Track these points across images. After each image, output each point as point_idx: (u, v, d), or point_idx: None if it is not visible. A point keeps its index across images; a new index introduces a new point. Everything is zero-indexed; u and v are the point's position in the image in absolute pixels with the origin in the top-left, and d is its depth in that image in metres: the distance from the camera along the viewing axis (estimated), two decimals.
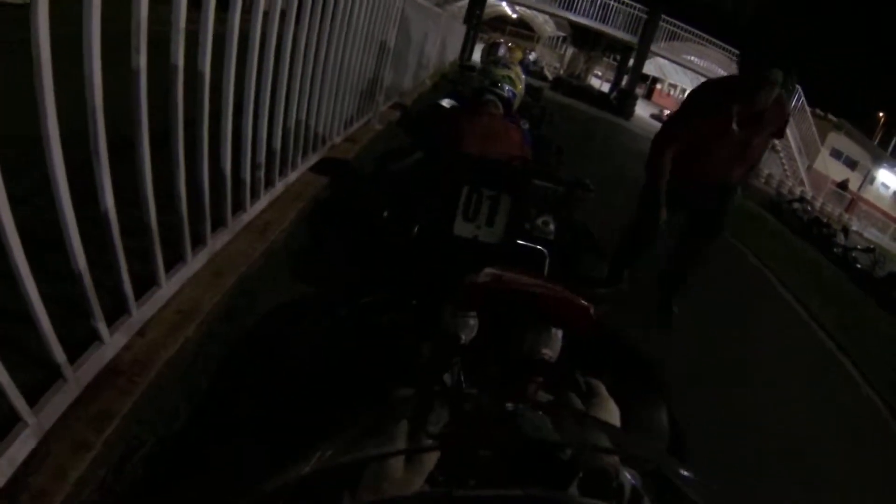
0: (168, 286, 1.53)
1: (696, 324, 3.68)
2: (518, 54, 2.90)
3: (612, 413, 0.80)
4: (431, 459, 0.55)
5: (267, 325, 1.86)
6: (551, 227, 2.10)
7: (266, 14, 1.75)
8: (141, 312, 1.42)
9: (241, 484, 1.18)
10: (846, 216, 19.27)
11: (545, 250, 1.91)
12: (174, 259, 1.59)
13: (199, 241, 1.70)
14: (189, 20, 1.32)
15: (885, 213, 22.93)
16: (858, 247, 10.10)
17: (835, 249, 9.86)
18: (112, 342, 1.30)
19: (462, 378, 0.98)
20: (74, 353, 1.19)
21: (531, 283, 1.25)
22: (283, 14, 2.01)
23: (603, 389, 0.93)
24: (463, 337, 1.10)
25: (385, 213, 2.20)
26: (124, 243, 1.26)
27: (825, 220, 11.81)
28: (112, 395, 1.24)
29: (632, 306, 3.05)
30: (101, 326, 1.25)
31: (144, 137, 1.25)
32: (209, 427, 1.42)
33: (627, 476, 0.59)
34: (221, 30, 1.51)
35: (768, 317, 4.90)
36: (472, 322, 1.15)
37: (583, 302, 1.18)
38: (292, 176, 2.50)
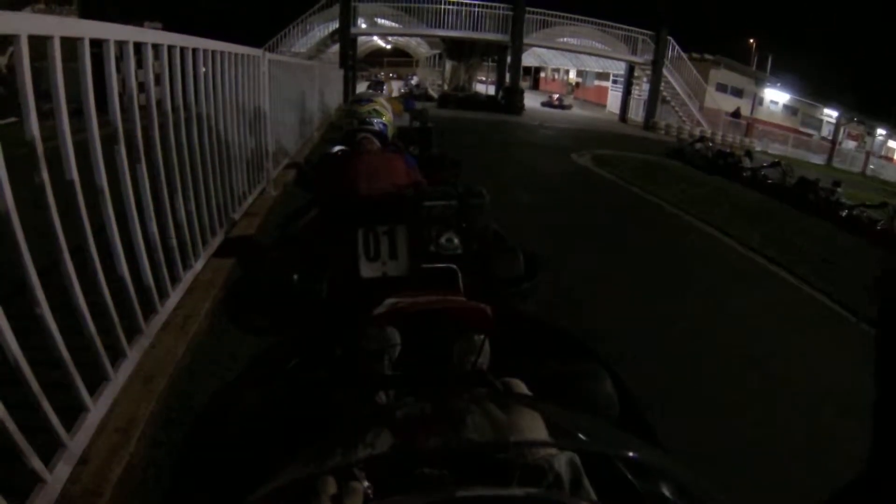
0: (97, 408, 1.56)
1: (632, 277, 4.00)
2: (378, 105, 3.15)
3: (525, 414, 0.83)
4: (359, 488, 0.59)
5: (207, 418, 1.91)
6: (455, 241, 2.23)
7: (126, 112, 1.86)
8: (76, 442, 1.45)
9: None
10: (748, 141, 21.19)
11: (454, 266, 1.98)
12: (97, 379, 1.63)
13: (118, 354, 1.75)
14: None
15: (780, 127, 25.53)
16: (765, 164, 11.16)
17: (744, 174, 10.84)
18: (54, 479, 1.33)
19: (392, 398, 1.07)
20: (18, 502, 1.22)
21: (426, 301, 1.39)
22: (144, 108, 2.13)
23: (522, 387, 1.01)
24: (385, 348, 1.25)
25: (295, 277, 2.30)
26: (40, 377, 1.31)
27: (729, 150, 12.99)
28: None
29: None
30: (38, 465, 1.28)
31: (31, 269, 1.32)
32: None
33: (563, 462, 0.63)
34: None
35: (696, 253, 5.31)
36: (392, 333, 1.31)
37: (477, 305, 1.32)
38: (199, 264, 2.57)
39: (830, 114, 26.67)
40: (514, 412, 0.71)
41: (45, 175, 1.36)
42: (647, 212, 6.75)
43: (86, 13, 12.73)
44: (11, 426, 1.21)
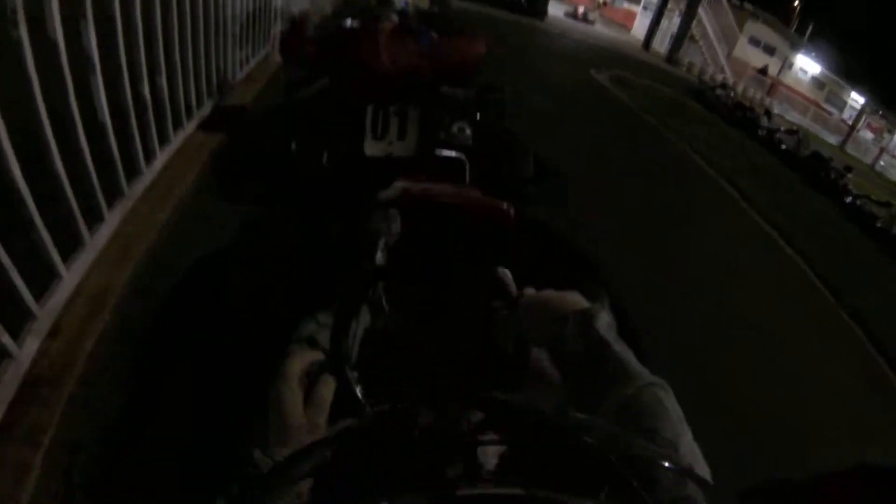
0: (70, 275, 1.41)
1: (634, 202, 3.92)
2: None
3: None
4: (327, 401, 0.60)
5: (189, 282, 1.79)
6: (468, 132, 2.08)
7: None
8: (46, 311, 1.32)
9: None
10: (767, 100, 20.48)
11: (463, 157, 1.90)
12: (73, 244, 1.45)
13: (96, 218, 1.56)
14: None
15: (804, 97, 24.63)
16: (783, 129, 10.85)
17: (759, 132, 10.54)
18: (23, 352, 1.21)
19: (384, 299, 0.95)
20: None
21: (443, 192, 1.29)
22: None
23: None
24: (384, 237, 1.10)
25: (293, 145, 2.13)
26: (9, 242, 1.13)
27: (748, 105, 12.52)
28: (39, 408, 1.18)
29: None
30: (6, 339, 1.14)
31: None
32: (146, 409, 1.38)
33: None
34: None
35: (702, 199, 5.22)
36: (393, 217, 1.15)
37: (500, 203, 1.21)
38: (190, 127, 2.31)
39: (857, 98, 25.55)
40: None
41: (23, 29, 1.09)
42: (660, 144, 6.53)
43: None
44: None
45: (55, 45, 1.25)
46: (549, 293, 0.78)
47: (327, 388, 0.61)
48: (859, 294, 4.28)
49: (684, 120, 8.18)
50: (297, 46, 2.39)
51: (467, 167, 1.85)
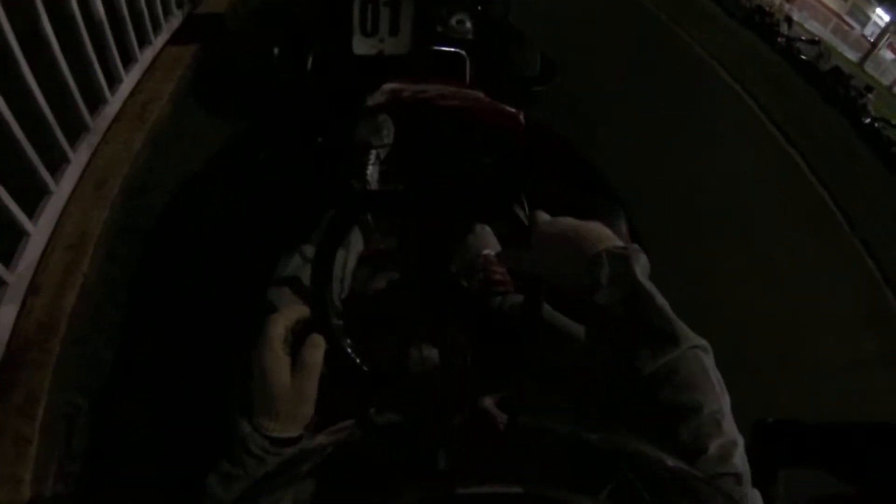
0: (40, 229, 1.34)
1: (647, 123, 3.76)
2: None
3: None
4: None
5: (168, 217, 1.74)
6: (468, 25, 1.90)
7: None
8: (22, 271, 1.27)
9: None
10: (787, 5, 18.88)
11: (463, 52, 1.75)
12: (38, 193, 1.37)
13: (61, 159, 1.45)
14: None
15: (826, 7, 22.73)
16: (803, 38, 10.15)
17: (779, 39, 9.86)
18: (2, 316, 1.18)
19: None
20: None
21: (440, 93, 1.15)
22: None
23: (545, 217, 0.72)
24: (374, 150, 1.02)
25: (275, 50, 1.94)
26: None
27: (768, 9, 11.56)
28: (30, 373, 1.18)
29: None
30: None
31: None
32: (137, 360, 1.40)
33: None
34: None
35: (719, 109, 4.97)
36: (384, 125, 1.05)
37: (509, 109, 1.11)
38: (159, 40, 2.08)
39: (882, 14, 23.44)
40: None
41: None
42: (675, 47, 6.06)
43: None
44: None
45: None
46: (569, 222, 0.64)
47: (316, 351, 0.55)
48: (871, 224, 4.27)
49: (701, 21, 7.52)
50: None
51: (468, 64, 1.71)
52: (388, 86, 1.12)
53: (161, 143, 1.95)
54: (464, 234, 0.94)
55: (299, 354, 0.55)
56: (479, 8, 1.95)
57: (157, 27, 2.02)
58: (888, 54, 24.01)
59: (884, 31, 23.15)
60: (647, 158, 3.23)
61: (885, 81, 22.24)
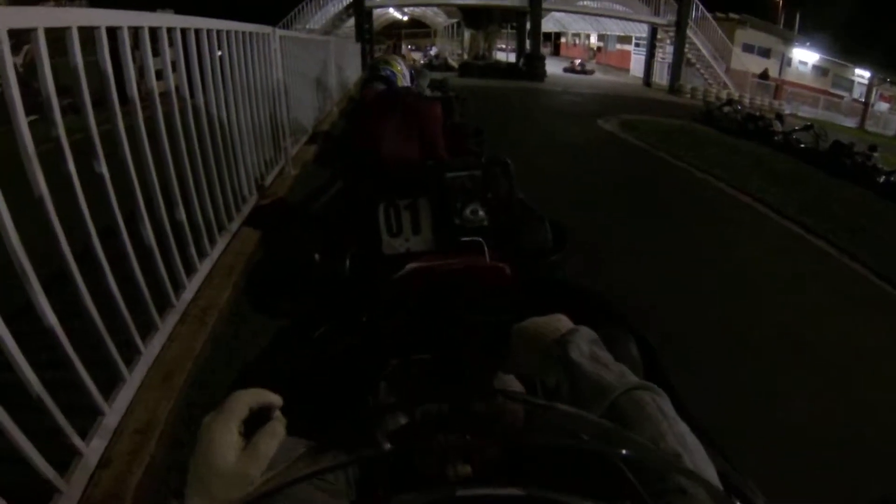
0: (113, 411, 1.50)
1: (660, 250, 3.81)
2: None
3: None
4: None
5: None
6: (481, 213, 2.09)
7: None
8: (93, 448, 1.39)
9: None
10: (776, 103, 20.21)
11: (480, 239, 1.92)
12: (112, 379, 1.56)
13: (133, 351, 1.67)
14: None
15: (810, 89, 24.25)
16: (797, 128, 10.63)
17: (775, 137, 10.34)
18: (70, 486, 1.27)
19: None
20: None
21: (443, 263, 1.39)
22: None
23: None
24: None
25: (316, 256, 2.22)
26: (48, 380, 1.22)
27: (758, 114, 12.39)
28: None
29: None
30: (53, 476, 1.21)
31: (32, 276, 1.23)
32: None
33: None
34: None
35: (732, 224, 5.05)
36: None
37: (495, 263, 1.32)
38: (216, 251, 2.48)
39: (862, 74, 25.04)
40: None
41: (40, 178, 1.26)
42: (678, 178, 6.44)
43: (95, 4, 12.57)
44: (20, 437, 1.14)
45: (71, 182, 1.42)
46: (533, 321, 0.78)
47: (272, 441, 0.51)
48: None
49: (697, 147, 8.12)
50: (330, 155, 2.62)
51: (486, 249, 1.87)
52: (410, 266, 1.38)
53: (222, 340, 2.19)
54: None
55: (254, 439, 0.51)
56: (489, 195, 2.17)
57: (213, 241, 2.42)
58: (882, 105, 24.38)
59: (869, 87, 23.97)
60: (676, 285, 3.30)
61: (890, 132, 22.19)
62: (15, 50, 1.27)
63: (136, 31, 1.83)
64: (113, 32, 1.65)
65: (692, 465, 0.51)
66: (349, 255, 2.14)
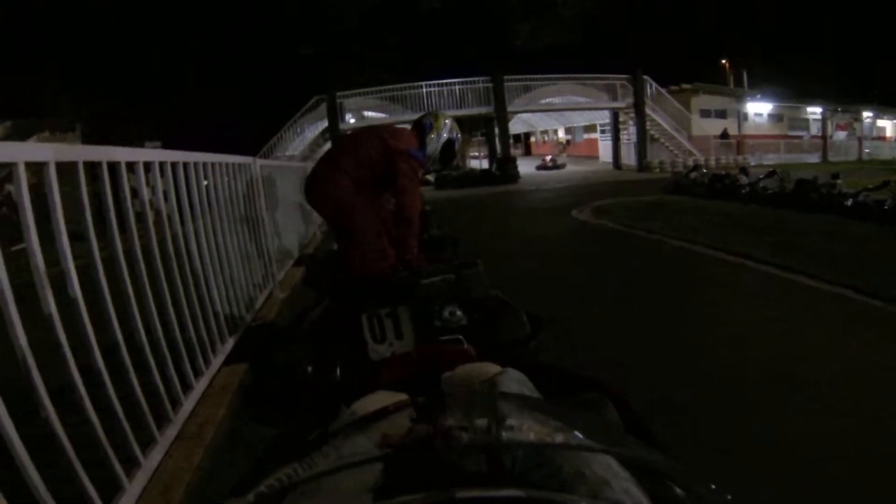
0: None
1: (654, 330, 3.85)
2: None
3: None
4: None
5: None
6: (458, 313, 2.26)
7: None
8: None
9: None
10: (741, 158, 21.35)
11: (459, 336, 2.08)
12: (112, 490, 1.67)
13: (133, 464, 1.80)
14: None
15: (769, 136, 25.93)
16: (761, 176, 11.17)
17: (743, 191, 10.84)
18: None
19: None
20: None
21: (424, 356, 1.53)
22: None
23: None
24: None
25: (309, 369, 2.38)
26: (53, 492, 1.36)
27: (724, 173, 13.09)
28: None
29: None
30: None
31: (41, 387, 1.43)
32: None
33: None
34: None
35: (713, 284, 5.19)
36: None
37: (464, 350, 1.46)
38: (211, 370, 2.65)
39: (815, 111, 27.03)
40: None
41: (51, 297, 1.50)
42: (655, 251, 6.70)
43: (88, 139, 13.67)
44: None
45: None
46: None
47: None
48: None
49: (669, 218, 8.58)
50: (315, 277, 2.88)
51: (465, 345, 1.97)
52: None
53: (219, 454, 2.29)
54: None
55: None
56: (464, 296, 2.36)
57: (207, 360, 2.62)
58: (840, 134, 25.64)
59: (824, 121, 25.78)
60: (677, 351, 3.34)
61: (853, 157, 23.13)
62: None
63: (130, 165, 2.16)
64: (112, 167, 1.98)
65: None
66: (339, 364, 2.32)
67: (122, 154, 2.06)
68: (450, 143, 3.32)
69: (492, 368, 0.86)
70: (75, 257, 1.66)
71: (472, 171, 22.35)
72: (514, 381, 0.79)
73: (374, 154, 3.01)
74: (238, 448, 2.40)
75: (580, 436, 0.56)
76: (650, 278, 5.40)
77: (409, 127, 3.29)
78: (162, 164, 2.53)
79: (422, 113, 3.91)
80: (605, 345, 3.49)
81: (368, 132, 3.32)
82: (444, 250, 4.01)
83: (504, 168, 20.10)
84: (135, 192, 2.24)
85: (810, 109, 27.17)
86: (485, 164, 23.43)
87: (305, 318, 3.22)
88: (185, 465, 2.06)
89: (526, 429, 0.53)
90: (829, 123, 26.41)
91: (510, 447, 0.55)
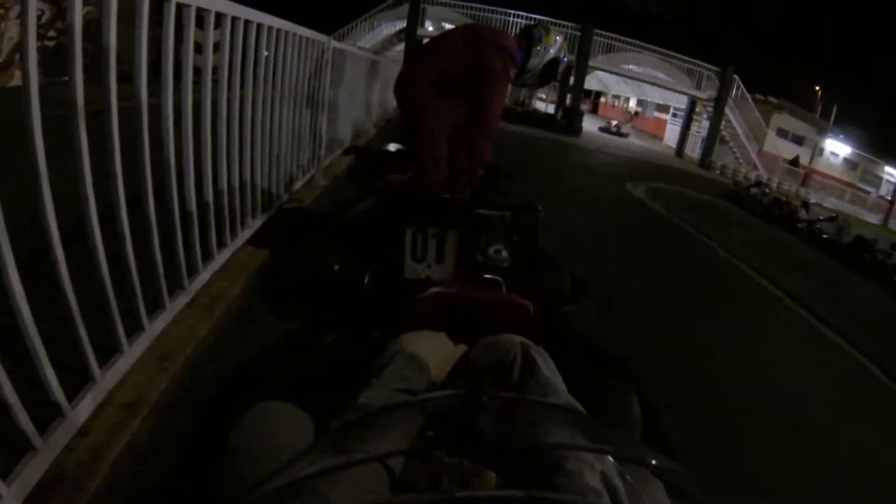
0: (104, 380, 1.47)
1: (681, 329, 3.72)
2: None
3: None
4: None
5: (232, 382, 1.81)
6: (504, 253, 2.12)
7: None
8: (78, 412, 1.36)
9: None
10: (803, 191, 20.21)
11: (499, 279, 1.94)
12: (110, 349, 1.54)
13: (135, 326, 1.66)
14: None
15: (838, 181, 24.36)
16: (821, 217, 10.56)
17: (799, 225, 10.28)
18: (47, 447, 1.23)
19: None
20: (5, 467, 1.13)
21: (469, 291, 1.41)
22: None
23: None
24: None
25: (336, 267, 2.22)
26: (45, 334, 1.21)
27: (784, 199, 12.37)
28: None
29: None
30: (32, 433, 1.18)
31: (52, 219, 1.24)
32: None
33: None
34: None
35: (749, 307, 4.98)
36: None
37: (521, 301, 1.31)
38: (235, 244, 2.49)
39: (892, 172, 25.36)
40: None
41: (83, 128, 1.28)
42: (700, 253, 6.39)
43: None
44: (7, 384, 1.11)
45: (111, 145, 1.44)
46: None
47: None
48: None
49: (722, 225, 8.10)
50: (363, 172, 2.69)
51: (504, 289, 1.89)
52: (434, 289, 1.41)
53: (225, 334, 2.16)
54: None
55: None
56: (515, 238, 2.23)
57: (234, 233, 2.43)
58: None
59: None
60: (685, 361, 3.20)
61: None
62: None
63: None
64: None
65: None
66: (370, 271, 2.15)
67: None
68: (555, 62, 3.01)
69: (520, 339, 0.90)
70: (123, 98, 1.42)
71: (536, 111, 21.53)
72: (545, 364, 0.85)
73: (465, 52, 2.75)
74: (249, 331, 2.26)
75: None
76: (686, 276, 5.18)
77: None
78: (220, 17, 2.14)
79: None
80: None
81: (464, 28, 3.08)
82: (499, 180, 3.76)
83: (569, 118, 19.27)
84: (198, 48, 1.96)
85: (888, 169, 25.47)
86: (550, 109, 22.39)
87: (343, 212, 3.06)
88: (189, 336, 1.93)
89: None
90: None
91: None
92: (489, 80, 2.72)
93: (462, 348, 0.99)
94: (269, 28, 2.50)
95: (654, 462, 0.58)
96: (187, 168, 1.95)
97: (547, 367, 0.84)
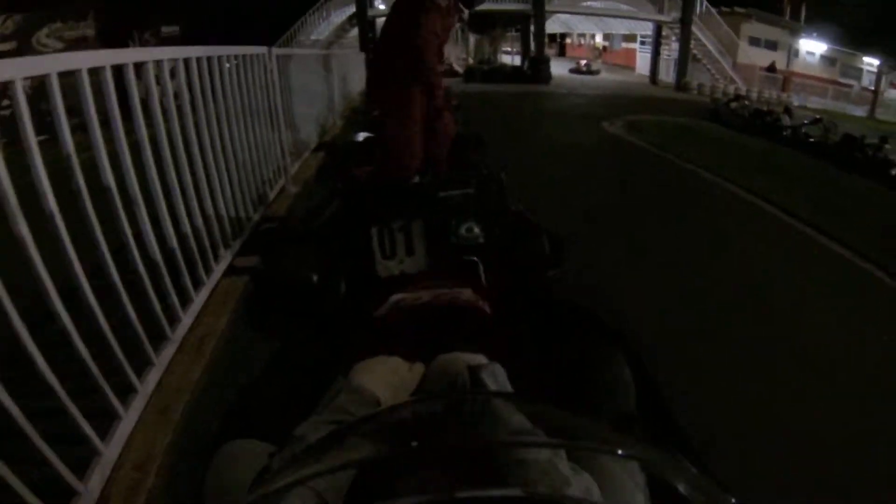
0: (109, 449, 1.52)
1: (671, 262, 3.75)
2: None
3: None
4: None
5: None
6: (476, 230, 2.07)
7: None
8: (91, 487, 1.41)
9: None
10: (784, 95, 19.94)
11: (475, 258, 1.91)
12: (108, 416, 1.58)
13: (128, 389, 1.69)
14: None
15: (818, 79, 23.90)
16: (805, 121, 10.46)
17: (784, 133, 10.18)
18: None
19: None
20: None
21: (436, 294, 1.43)
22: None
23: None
24: None
25: (315, 278, 2.21)
26: (46, 426, 1.24)
27: (766, 109, 12.22)
28: None
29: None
30: None
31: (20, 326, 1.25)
32: None
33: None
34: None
35: (741, 227, 4.95)
36: None
37: (476, 300, 1.36)
38: (213, 279, 2.50)
39: (871, 62, 24.74)
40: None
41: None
42: (685, 180, 6.33)
43: (104, 24, 12.71)
44: (16, 483, 1.16)
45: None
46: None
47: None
48: None
49: (704, 146, 8.01)
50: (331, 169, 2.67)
51: (481, 269, 1.86)
52: (393, 298, 1.41)
53: (219, 367, 2.17)
54: None
55: None
56: (484, 212, 2.18)
57: (208, 270, 2.44)
58: (893, 92, 23.85)
59: (878, 75, 23.54)
60: (685, 290, 3.25)
61: None
62: None
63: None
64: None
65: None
66: (344, 277, 2.15)
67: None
68: None
69: (480, 359, 0.91)
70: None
71: (504, 66, 21.17)
72: (499, 374, 0.85)
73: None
74: (240, 358, 2.28)
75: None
76: (673, 208, 5.15)
77: None
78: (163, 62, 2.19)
79: None
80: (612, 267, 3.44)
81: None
82: (469, 150, 3.71)
83: (536, 67, 18.95)
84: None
85: (867, 59, 24.84)
86: (517, 61, 22.01)
87: (314, 218, 3.05)
88: (185, 383, 1.97)
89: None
90: (883, 78, 24.19)
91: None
92: (413, 8, 2.82)
93: (420, 368, 0.99)
94: (198, 59, 2.44)
95: (619, 452, 0.60)
96: (144, 227, 1.94)
97: (497, 387, 0.82)
